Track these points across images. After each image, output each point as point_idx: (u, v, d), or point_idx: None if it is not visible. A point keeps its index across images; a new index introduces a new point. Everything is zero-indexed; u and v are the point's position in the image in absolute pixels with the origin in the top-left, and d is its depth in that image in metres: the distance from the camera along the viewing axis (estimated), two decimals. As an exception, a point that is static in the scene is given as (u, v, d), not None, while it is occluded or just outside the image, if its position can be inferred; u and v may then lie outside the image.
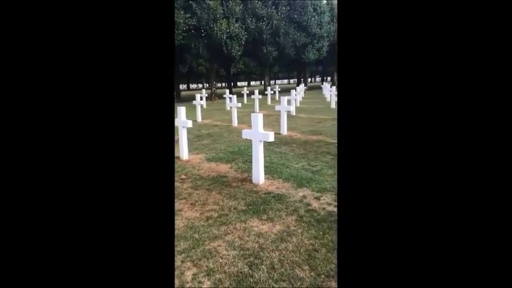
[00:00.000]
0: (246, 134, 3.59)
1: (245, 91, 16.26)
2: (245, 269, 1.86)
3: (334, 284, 1.71)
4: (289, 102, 10.06)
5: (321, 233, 2.29)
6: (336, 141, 5.78)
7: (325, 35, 25.29)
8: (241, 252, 2.06)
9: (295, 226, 2.41)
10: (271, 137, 3.25)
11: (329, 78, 39.34)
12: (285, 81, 64.71)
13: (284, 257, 1.98)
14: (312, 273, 1.80)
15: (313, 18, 23.19)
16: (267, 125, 8.04)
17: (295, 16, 22.30)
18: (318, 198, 2.96)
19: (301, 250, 2.05)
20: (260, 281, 1.75)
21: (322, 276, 1.78)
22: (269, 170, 3.90)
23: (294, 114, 10.22)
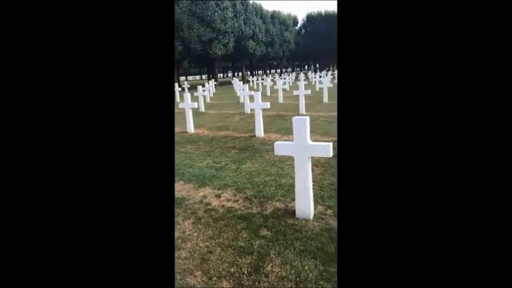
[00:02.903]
0: (137, 137, 3.24)
1: (150, 89, 15.05)
2: (128, 292, 1.65)
3: (225, 283, 1.68)
4: (196, 98, 9.81)
5: (217, 232, 2.24)
6: (241, 135, 5.90)
7: (230, 30, 25.66)
8: (127, 273, 1.83)
9: (191, 230, 2.30)
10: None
11: (240, 74, 40.35)
12: (197, 77, 63.36)
13: (175, 267, 1.85)
14: (203, 278, 1.73)
15: (216, 13, 23.16)
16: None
17: (198, 10, 21.83)
18: (218, 196, 2.92)
19: (195, 255, 1.96)
20: (145, 301, 1.57)
21: (214, 278, 1.72)
22: (171, 173, 3.67)
23: (203, 110, 10.03)
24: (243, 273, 1.75)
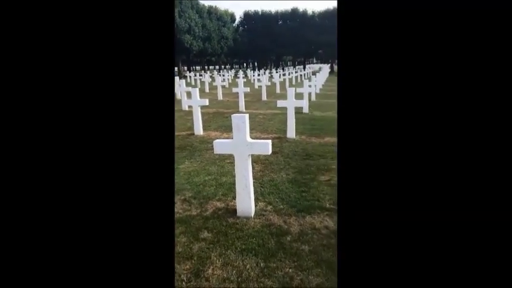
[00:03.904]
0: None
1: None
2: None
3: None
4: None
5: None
6: (179, 133, 5.63)
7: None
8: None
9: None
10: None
11: (176, 69, 38.56)
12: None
13: None
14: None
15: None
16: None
17: None
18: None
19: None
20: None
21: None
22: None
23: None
24: (182, 280, 1.65)
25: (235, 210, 2.41)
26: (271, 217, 2.35)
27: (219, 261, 1.81)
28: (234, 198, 2.50)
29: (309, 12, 40.07)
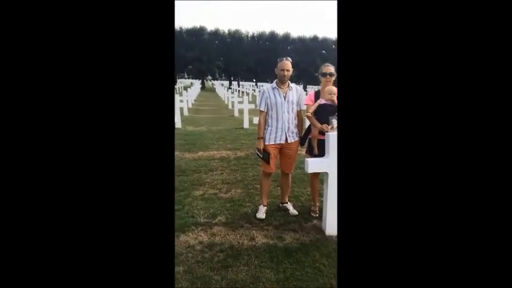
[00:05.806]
0: None
1: None
2: None
3: None
4: None
5: None
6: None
7: None
8: None
9: None
10: None
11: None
12: None
13: None
14: None
15: None
16: None
17: None
18: None
19: None
20: None
21: None
22: None
23: None
24: None
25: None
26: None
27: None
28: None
29: (177, 28, 40.20)
